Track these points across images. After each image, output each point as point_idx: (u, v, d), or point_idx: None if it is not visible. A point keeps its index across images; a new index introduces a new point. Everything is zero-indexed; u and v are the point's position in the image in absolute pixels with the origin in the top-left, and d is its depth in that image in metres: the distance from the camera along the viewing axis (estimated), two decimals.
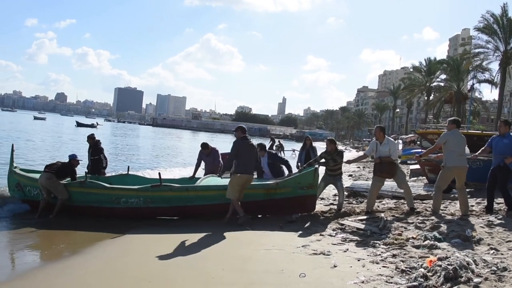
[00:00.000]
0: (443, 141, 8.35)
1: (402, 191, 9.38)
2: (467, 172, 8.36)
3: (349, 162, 10.08)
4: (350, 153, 48.64)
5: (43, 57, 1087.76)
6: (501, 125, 8.54)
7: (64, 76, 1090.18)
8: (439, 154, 8.75)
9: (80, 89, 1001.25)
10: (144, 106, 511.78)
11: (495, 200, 8.47)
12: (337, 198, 10.03)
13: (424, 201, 10.02)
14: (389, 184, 10.70)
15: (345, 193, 11.46)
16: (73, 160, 9.63)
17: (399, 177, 8.86)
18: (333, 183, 9.60)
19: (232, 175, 8.60)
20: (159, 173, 9.51)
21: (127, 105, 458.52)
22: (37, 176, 9.72)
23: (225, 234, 7.56)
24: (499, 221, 7.35)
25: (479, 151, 8.76)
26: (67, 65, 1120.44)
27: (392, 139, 9.16)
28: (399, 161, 9.23)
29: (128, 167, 11.49)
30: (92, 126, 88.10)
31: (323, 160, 9.55)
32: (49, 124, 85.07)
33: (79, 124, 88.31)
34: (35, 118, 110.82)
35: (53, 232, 8.17)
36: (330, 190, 10.67)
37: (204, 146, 11.25)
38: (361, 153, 49.99)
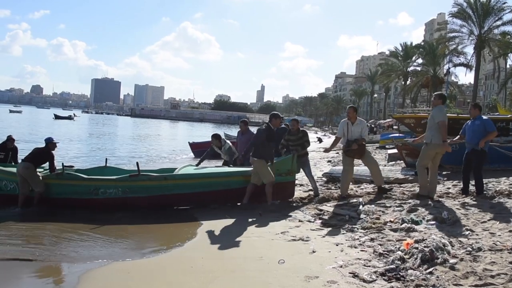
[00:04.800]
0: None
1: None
2: (444, 155, 8.46)
3: (327, 150, 10.19)
4: (329, 139, 48.93)
5: (17, 49, 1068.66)
6: (471, 109, 8.70)
7: (40, 68, 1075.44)
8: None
9: (56, 81, 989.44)
10: (122, 96, 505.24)
11: (470, 182, 8.58)
12: None
13: (401, 185, 10.13)
14: (367, 169, 10.76)
15: (323, 178, 11.57)
16: (50, 143, 9.28)
17: (367, 157, 9.03)
18: (301, 168, 9.60)
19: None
20: (137, 163, 9.39)
21: (104, 96, 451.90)
22: (13, 169, 9.52)
23: (204, 222, 7.54)
24: (474, 203, 7.48)
25: (456, 138, 8.82)
26: (42, 57, 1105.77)
27: (363, 120, 9.22)
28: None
29: (106, 159, 11.10)
30: (69, 118, 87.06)
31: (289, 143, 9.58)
32: (25, 117, 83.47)
33: (57, 117, 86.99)
34: (11, 111, 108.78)
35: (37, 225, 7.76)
36: None
37: (245, 122, 11.11)
38: (333, 137, 50.53)
